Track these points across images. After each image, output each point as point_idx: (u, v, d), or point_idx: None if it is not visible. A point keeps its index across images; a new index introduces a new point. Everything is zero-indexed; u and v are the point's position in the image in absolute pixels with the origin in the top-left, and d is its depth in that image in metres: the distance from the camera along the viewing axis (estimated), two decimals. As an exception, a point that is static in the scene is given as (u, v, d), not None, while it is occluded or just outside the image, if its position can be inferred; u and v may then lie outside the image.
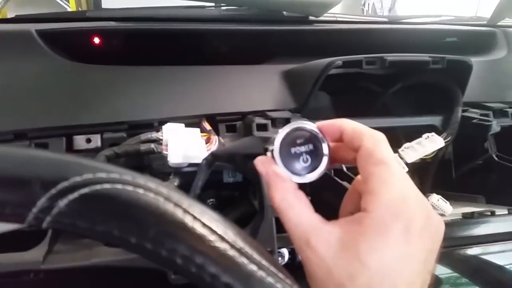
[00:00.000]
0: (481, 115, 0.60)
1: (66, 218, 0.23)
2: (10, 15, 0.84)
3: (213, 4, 0.75)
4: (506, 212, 0.51)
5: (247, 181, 0.55)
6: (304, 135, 0.31)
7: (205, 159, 0.44)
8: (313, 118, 0.58)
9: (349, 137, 0.29)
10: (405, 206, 0.26)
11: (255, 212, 0.52)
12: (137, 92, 0.55)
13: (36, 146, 0.50)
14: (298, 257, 0.48)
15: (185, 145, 0.47)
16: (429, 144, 0.54)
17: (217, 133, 0.55)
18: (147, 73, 0.58)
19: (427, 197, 0.52)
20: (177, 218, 0.24)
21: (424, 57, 0.56)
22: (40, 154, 0.24)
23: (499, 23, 0.82)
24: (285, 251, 0.48)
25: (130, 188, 0.24)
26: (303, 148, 0.31)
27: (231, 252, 0.24)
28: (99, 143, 0.51)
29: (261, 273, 0.25)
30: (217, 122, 0.56)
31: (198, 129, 0.51)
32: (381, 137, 0.29)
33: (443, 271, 0.47)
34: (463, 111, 0.60)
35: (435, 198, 0.51)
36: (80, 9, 2.16)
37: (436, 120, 0.61)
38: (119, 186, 0.23)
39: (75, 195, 0.23)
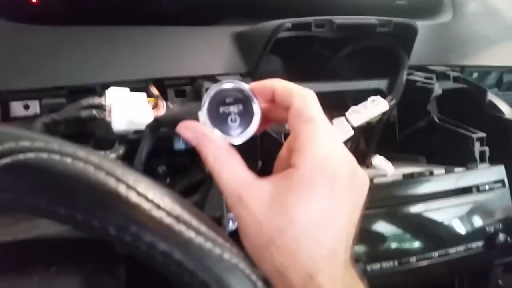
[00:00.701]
0: (425, 78, 0.62)
1: (-15, 190, 0.22)
2: None
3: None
4: (443, 172, 0.53)
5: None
6: (234, 95, 0.31)
7: (148, 125, 0.42)
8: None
9: (280, 96, 0.30)
10: (330, 162, 0.28)
11: (206, 179, 0.52)
12: (78, 54, 0.52)
13: (-32, 114, 0.47)
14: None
15: (130, 110, 0.46)
16: (374, 107, 0.55)
17: (166, 99, 0.53)
18: (89, 34, 0.54)
19: (370, 158, 0.53)
20: (110, 188, 0.23)
21: (372, 20, 0.56)
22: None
23: (447, -13, 0.83)
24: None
25: (56, 157, 0.23)
26: (232, 108, 0.30)
27: (168, 220, 0.24)
28: (38, 110, 0.48)
29: (199, 239, 0.25)
30: (165, 86, 0.54)
31: (144, 94, 0.50)
32: (311, 95, 0.29)
33: (387, 229, 0.49)
34: (408, 74, 0.62)
35: (378, 159, 0.53)
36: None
37: (382, 83, 0.62)
38: (44, 155, 0.22)
39: (-4, 165, 0.22)
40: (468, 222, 0.52)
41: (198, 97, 0.53)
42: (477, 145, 0.57)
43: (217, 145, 0.29)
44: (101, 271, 0.43)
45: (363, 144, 0.66)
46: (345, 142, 0.57)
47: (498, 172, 0.58)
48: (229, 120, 0.30)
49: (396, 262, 0.48)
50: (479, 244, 0.51)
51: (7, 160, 0.21)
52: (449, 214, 0.51)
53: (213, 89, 0.30)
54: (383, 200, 0.49)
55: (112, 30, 0.56)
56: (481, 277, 0.52)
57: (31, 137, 0.23)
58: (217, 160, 0.29)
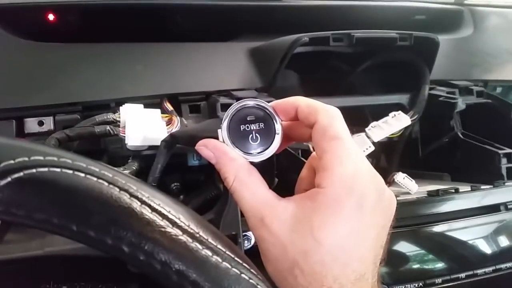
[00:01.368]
0: (447, 93, 0.60)
1: (-1, 205, 0.21)
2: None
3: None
4: (469, 189, 0.51)
5: (213, 164, 0.54)
6: (255, 113, 0.30)
7: (163, 140, 0.41)
8: (280, 97, 0.56)
9: (304, 114, 0.29)
10: (358, 181, 0.26)
11: (220, 196, 0.51)
12: (93, 71, 0.52)
13: (-16, 130, 0.47)
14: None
15: (144, 126, 0.45)
16: (396, 123, 0.53)
17: (180, 114, 0.53)
18: (103, 51, 0.55)
19: (393, 175, 0.51)
20: (123, 203, 0.22)
21: (391, 33, 0.55)
22: (-31, 136, 0.22)
23: (466, 2, 0.82)
24: (251, 234, 0.47)
25: (69, 171, 0.21)
26: (253, 126, 0.29)
27: (183, 238, 0.23)
28: (51, 126, 0.48)
29: (216, 258, 0.23)
30: (179, 102, 0.54)
31: (158, 110, 0.49)
32: (336, 112, 0.28)
33: (411, 249, 0.47)
34: (430, 89, 0.60)
35: (401, 176, 0.51)
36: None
37: (403, 98, 0.60)
38: (56, 169, 0.21)
39: (7, 179, 0.21)
40: (496, 241, 0.49)
41: (213, 112, 0.53)
42: (503, 161, 0.54)
43: (238, 164, 0.28)
44: (114, 291, 0.42)
45: (384, 160, 0.64)
46: (366, 158, 0.55)
47: (527, 189, 0.55)
48: (249, 138, 0.29)
49: (421, 284, 0.46)
50: (509, 265, 0.48)
51: (19, 174, 0.20)
52: (476, 233, 0.48)
53: (234, 106, 0.30)
54: (407, 219, 0.46)
55: (127, 46, 0.56)
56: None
57: (44, 151, 0.22)
58: (237, 180, 0.28)
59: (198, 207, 0.51)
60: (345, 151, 0.26)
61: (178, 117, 0.50)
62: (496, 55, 0.74)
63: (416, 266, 0.46)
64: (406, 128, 0.57)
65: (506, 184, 0.54)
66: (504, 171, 0.54)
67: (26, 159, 0.21)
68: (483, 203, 0.50)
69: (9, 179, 0.20)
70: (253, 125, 0.30)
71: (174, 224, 0.23)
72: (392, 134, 0.56)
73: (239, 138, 0.29)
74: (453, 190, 0.49)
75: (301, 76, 0.64)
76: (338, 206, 0.25)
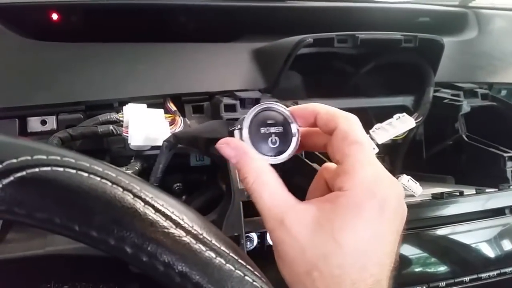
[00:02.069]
0: (452, 95, 0.60)
1: (1, 205, 0.21)
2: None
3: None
4: (474, 192, 0.51)
5: (215, 165, 0.53)
6: (274, 116, 0.30)
7: (166, 141, 0.41)
8: (284, 98, 0.56)
9: (323, 120, 0.29)
10: (379, 185, 0.26)
11: (222, 196, 0.50)
12: (96, 70, 0.52)
13: (-14, 128, 0.47)
14: (267, 241, 0.47)
15: (147, 126, 0.45)
16: (400, 125, 0.53)
17: (183, 115, 0.52)
18: (107, 50, 0.54)
19: (397, 177, 0.51)
20: (126, 204, 0.22)
21: (396, 35, 0.55)
22: (-28, 135, 0.22)
23: (471, 4, 0.82)
24: (253, 235, 0.47)
25: (72, 171, 0.21)
26: (272, 129, 0.30)
27: (187, 239, 0.22)
28: (54, 125, 0.48)
29: (219, 260, 0.23)
30: (183, 102, 0.54)
31: (161, 110, 0.49)
32: (355, 119, 0.29)
33: (411, 251, 0.47)
34: (435, 91, 0.60)
35: (405, 178, 0.50)
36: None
37: (407, 100, 0.60)
38: (59, 169, 0.21)
39: (10, 178, 0.20)
40: (501, 245, 0.48)
41: (216, 113, 0.52)
42: (509, 164, 0.54)
43: (259, 165, 0.28)
44: (115, 291, 0.42)
45: (388, 162, 0.63)
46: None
47: (532, 192, 0.54)
48: (269, 141, 0.30)
49: (424, 287, 0.45)
50: (514, 269, 0.48)
51: (22, 173, 0.20)
52: (481, 237, 0.48)
53: (255, 108, 0.30)
54: (411, 222, 0.46)
55: (130, 46, 0.56)
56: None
57: (47, 150, 0.21)
58: (257, 181, 0.28)
59: (200, 207, 0.51)
60: (366, 156, 0.27)
61: (181, 117, 0.50)
62: (500, 57, 0.73)
63: (420, 269, 0.46)
64: (410, 130, 0.57)
65: (511, 187, 0.53)
66: (509, 174, 0.54)
67: (29, 158, 0.21)
68: (488, 207, 0.49)
69: (11, 178, 0.20)
70: (272, 128, 0.30)
71: (177, 225, 0.23)
72: (396, 136, 0.56)
73: (258, 140, 0.30)
74: (457, 193, 0.49)
75: (305, 77, 0.64)
76: (359, 208, 0.25)
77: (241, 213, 0.44)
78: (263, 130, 0.30)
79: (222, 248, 0.24)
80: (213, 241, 0.24)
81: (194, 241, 0.23)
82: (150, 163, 0.46)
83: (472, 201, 0.49)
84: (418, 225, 0.47)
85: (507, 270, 0.47)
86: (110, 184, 0.22)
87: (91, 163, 0.22)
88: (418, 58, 0.60)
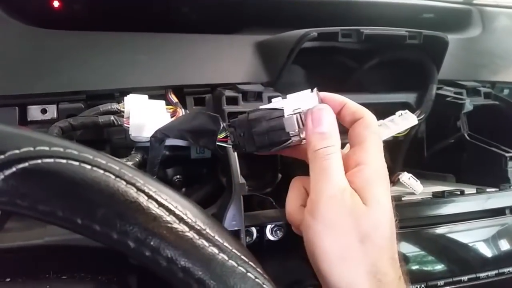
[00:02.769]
0: (454, 93, 0.60)
1: (3, 196, 0.20)
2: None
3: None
4: (475, 191, 0.51)
5: (216, 158, 0.53)
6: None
7: (152, 137, 0.41)
8: (286, 92, 0.55)
9: (351, 109, 0.34)
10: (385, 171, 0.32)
11: (222, 190, 0.50)
12: (98, 59, 0.51)
13: (-15, 116, 0.46)
14: (266, 236, 0.47)
15: (148, 117, 0.44)
16: (402, 122, 0.53)
17: (185, 106, 0.52)
18: (109, 40, 0.54)
19: (398, 175, 0.51)
20: (130, 197, 0.21)
21: (401, 31, 0.54)
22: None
23: (475, 1, 0.81)
24: (253, 229, 0.47)
25: (75, 163, 0.21)
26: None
27: (190, 234, 0.22)
28: (55, 114, 0.48)
29: (222, 256, 0.23)
30: (184, 94, 0.53)
31: (163, 101, 0.48)
32: (374, 117, 0.34)
33: (411, 249, 0.47)
34: (437, 88, 0.60)
35: (406, 176, 0.50)
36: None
37: (410, 97, 0.60)
38: (62, 160, 0.21)
39: (12, 170, 0.20)
40: (500, 245, 0.48)
41: (217, 105, 0.52)
42: (510, 164, 0.54)
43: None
44: (113, 282, 0.42)
45: (389, 159, 0.63)
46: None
47: (533, 193, 0.54)
48: None
49: (423, 285, 0.45)
50: (512, 269, 0.48)
51: (24, 165, 0.20)
52: (480, 237, 0.48)
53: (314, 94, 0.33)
54: (411, 220, 0.46)
55: (133, 36, 0.55)
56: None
57: (49, 141, 0.21)
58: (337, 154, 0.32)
59: (200, 200, 0.51)
60: (379, 144, 0.33)
61: (182, 109, 0.49)
62: (504, 56, 0.73)
63: (418, 267, 0.46)
64: (412, 127, 0.57)
65: (512, 187, 0.53)
66: (510, 174, 0.54)
67: (32, 149, 0.21)
68: (488, 206, 0.49)
69: (13, 169, 0.20)
70: None
71: (181, 220, 0.22)
72: (398, 133, 0.55)
73: None
74: (458, 192, 0.49)
75: (307, 71, 0.64)
76: (384, 178, 0.31)
77: (242, 208, 0.44)
78: None
79: (225, 244, 0.24)
80: (216, 237, 0.23)
81: (197, 237, 0.23)
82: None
83: (472, 200, 0.49)
84: (418, 223, 0.47)
85: (506, 270, 0.47)
86: (113, 177, 0.22)
87: (95, 156, 0.22)
88: (422, 55, 0.60)
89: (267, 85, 0.55)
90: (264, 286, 0.24)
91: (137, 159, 0.43)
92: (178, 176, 0.55)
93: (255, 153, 0.35)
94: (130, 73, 0.51)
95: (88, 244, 0.40)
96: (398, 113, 0.54)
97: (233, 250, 0.24)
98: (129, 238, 0.21)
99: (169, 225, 0.22)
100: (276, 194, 0.54)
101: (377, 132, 0.33)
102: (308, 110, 0.32)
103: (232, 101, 0.51)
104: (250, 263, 0.24)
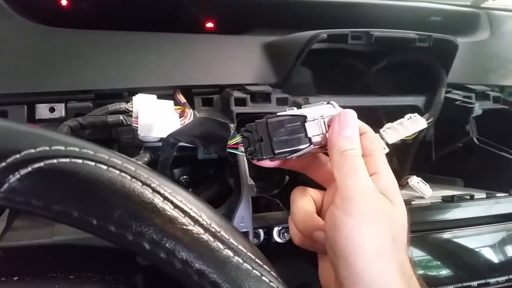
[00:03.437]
0: (463, 97, 0.59)
1: (18, 195, 0.20)
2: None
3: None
4: (485, 196, 0.50)
5: (223, 158, 0.53)
6: None
7: (164, 140, 0.41)
8: (294, 94, 0.55)
9: (369, 141, 0.35)
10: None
11: (229, 191, 0.50)
12: (107, 59, 0.51)
13: (-6, 114, 0.46)
14: (273, 238, 0.47)
15: (157, 118, 0.44)
16: (411, 125, 0.52)
17: (193, 107, 0.52)
18: (118, 39, 0.54)
19: (406, 178, 0.51)
20: (145, 199, 0.21)
21: (411, 34, 0.54)
22: (-11, 123, 0.21)
23: (483, 5, 0.81)
24: (260, 231, 0.46)
25: (91, 163, 0.21)
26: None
27: (205, 236, 0.22)
28: (63, 113, 0.47)
29: (237, 259, 0.23)
30: (192, 94, 0.53)
31: (171, 102, 0.48)
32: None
33: (416, 254, 0.46)
34: (446, 92, 0.59)
35: (415, 180, 0.50)
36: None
37: (419, 100, 0.59)
38: (78, 160, 0.21)
39: (28, 169, 0.20)
40: (510, 250, 0.48)
41: (225, 106, 0.52)
42: (519, 169, 0.54)
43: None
44: (120, 282, 0.42)
45: (396, 163, 0.63)
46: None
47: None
48: None
49: (432, 291, 0.45)
50: (523, 275, 0.48)
51: (40, 164, 0.20)
52: (490, 242, 0.48)
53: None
54: (420, 224, 0.46)
55: (141, 36, 0.55)
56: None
57: (65, 141, 0.21)
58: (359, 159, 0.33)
59: (207, 201, 0.50)
60: (384, 156, 0.35)
61: (191, 110, 0.49)
62: (512, 60, 0.73)
63: (427, 272, 0.45)
64: (420, 131, 0.56)
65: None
66: (520, 180, 0.54)
67: (47, 148, 0.20)
68: (498, 211, 0.49)
69: (29, 168, 0.20)
70: None
71: (196, 221, 0.22)
72: (406, 137, 0.55)
73: None
74: (468, 197, 0.49)
75: (315, 73, 0.63)
76: (397, 185, 0.33)
77: (250, 209, 0.44)
78: None
79: (240, 246, 0.23)
80: (231, 239, 0.23)
81: (212, 239, 0.22)
82: (159, 154, 0.45)
83: (482, 205, 0.49)
84: (427, 227, 0.46)
85: (516, 276, 0.47)
86: (129, 177, 0.21)
87: (110, 156, 0.22)
88: (431, 58, 0.59)
89: (275, 86, 0.55)
90: (278, 289, 0.24)
91: (146, 159, 0.43)
92: (185, 177, 0.55)
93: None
94: (138, 73, 0.51)
95: (95, 244, 0.40)
96: (407, 116, 0.54)
97: (248, 253, 0.24)
98: (145, 239, 0.21)
99: (185, 227, 0.22)
100: (283, 196, 0.54)
101: (380, 146, 0.36)
102: (336, 114, 0.33)
103: (241, 102, 0.51)
104: (265, 266, 0.24)
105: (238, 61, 0.56)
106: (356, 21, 0.64)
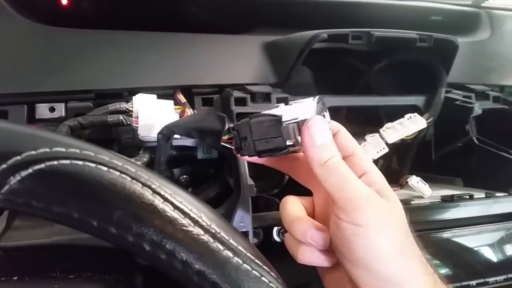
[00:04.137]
0: (463, 97, 0.59)
1: (19, 197, 0.20)
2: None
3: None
4: (484, 196, 0.50)
5: (223, 158, 0.53)
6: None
7: (159, 133, 0.40)
8: (294, 94, 0.56)
9: (344, 140, 0.34)
10: None
11: (229, 190, 0.50)
12: (107, 58, 0.51)
13: (-6, 114, 0.46)
14: (273, 238, 0.47)
15: (157, 117, 0.44)
16: (411, 125, 0.52)
17: (193, 107, 0.52)
18: (118, 39, 0.53)
19: (406, 178, 0.51)
20: (146, 200, 0.21)
21: (411, 34, 0.54)
22: (-10, 124, 0.21)
23: (484, 4, 0.81)
24: (260, 230, 0.46)
25: (91, 165, 0.21)
26: None
27: (205, 237, 0.22)
28: (63, 113, 0.47)
29: (237, 260, 0.23)
30: (192, 94, 0.53)
31: (171, 101, 0.48)
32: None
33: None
34: (446, 92, 0.59)
35: (415, 180, 0.50)
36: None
37: (419, 100, 0.59)
38: (79, 162, 0.21)
39: (29, 171, 0.20)
40: (509, 250, 0.48)
41: (225, 106, 0.52)
42: (519, 169, 0.54)
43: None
44: (120, 282, 0.42)
45: (396, 162, 0.63)
46: (378, 160, 0.55)
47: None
48: None
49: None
50: (522, 275, 0.48)
51: (40, 166, 0.20)
52: (489, 241, 0.48)
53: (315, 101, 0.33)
54: (419, 224, 0.46)
55: (142, 35, 0.55)
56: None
57: (66, 142, 0.21)
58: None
59: (206, 201, 0.50)
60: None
61: (191, 109, 0.49)
62: (513, 60, 0.73)
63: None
64: (420, 130, 0.56)
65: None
66: (520, 180, 0.54)
67: (48, 150, 0.20)
68: (498, 211, 0.49)
69: (30, 170, 0.20)
70: None
71: (196, 222, 0.22)
72: (406, 136, 0.55)
73: None
74: (467, 196, 0.49)
75: (315, 72, 0.63)
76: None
77: (250, 209, 0.44)
78: None
79: (239, 247, 0.23)
80: (231, 240, 0.23)
81: (212, 240, 0.22)
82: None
83: (481, 204, 0.49)
84: (426, 227, 0.47)
85: (515, 276, 0.47)
86: (129, 179, 0.21)
87: (111, 157, 0.22)
88: (432, 57, 0.59)
89: (276, 86, 0.55)
90: (278, 290, 0.24)
91: (145, 159, 0.43)
92: (184, 176, 0.55)
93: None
94: (139, 73, 0.51)
95: (95, 243, 0.40)
96: (407, 116, 0.54)
97: (248, 254, 0.24)
98: (145, 240, 0.21)
99: (185, 228, 0.22)
100: (283, 195, 0.54)
101: (371, 161, 0.35)
102: (304, 126, 0.31)
103: (241, 102, 0.51)
104: (264, 267, 0.24)
105: (239, 60, 0.56)
106: (356, 20, 0.64)
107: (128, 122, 0.44)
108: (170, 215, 0.22)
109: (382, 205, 0.30)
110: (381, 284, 0.29)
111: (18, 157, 0.20)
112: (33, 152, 0.20)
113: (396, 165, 0.63)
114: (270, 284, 0.24)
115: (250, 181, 0.44)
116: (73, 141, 0.21)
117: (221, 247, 0.23)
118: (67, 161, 0.20)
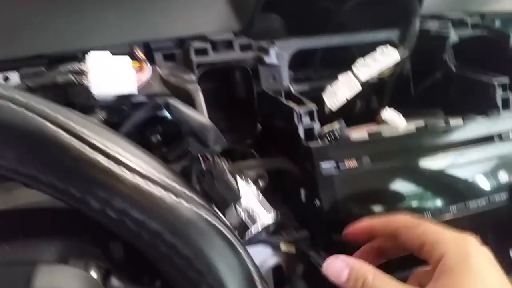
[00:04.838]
0: (439, 26, 0.56)
1: None
2: None
3: None
4: (461, 121, 0.48)
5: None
6: None
7: (151, 98, 0.42)
8: (260, 39, 0.53)
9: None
10: None
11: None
12: (57, 20, 0.48)
13: None
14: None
15: (111, 74, 0.42)
16: (384, 59, 0.50)
17: (153, 63, 0.50)
18: None
19: (380, 112, 0.49)
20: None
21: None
22: None
23: None
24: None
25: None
26: None
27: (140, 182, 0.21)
28: (18, 80, 0.45)
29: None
30: (152, 50, 0.51)
31: (127, 57, 0.46)
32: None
33: (400, 184, 0.44)
34: (421, 23, 0.56)
35: (388, 112, 0.48)
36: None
37: (393, 34, 0.57)
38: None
39: None
40: (490, 173, 0.46)
41: (187, 59, 0.50)
42: (499, 91, 0.51)
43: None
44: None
45: (375, 101, 0.61)
46: (353, 99, 0.52)
47: (524, 119, 0.51)
48: None
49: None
50: (503, 196, 0.46)
51: None
52: (469, 166, 0.46)
53: None
54: (395, 153, 0.44)
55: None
56: (506, 232, 0.47)
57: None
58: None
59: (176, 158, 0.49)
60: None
61: (149, 65, 0.47)
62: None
63: (405, 202, 0.44)
64: (396, 65, 0.54)
65: (502, 114, 0.51)
66: (499, 102, 0.51)
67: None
68: (477, 135, 0.47)
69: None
70: None
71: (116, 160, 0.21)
72: (381, 73, 0.53)
73: None
74: (443, 123, 0.47)
75: (283, 16, 0.60)
76: None
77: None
78: None
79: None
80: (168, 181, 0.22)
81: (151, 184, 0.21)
82: (118, 114, 0.44)
83: (459, 130, 0.47)
84: (402, 156, 0.45)
85: (496, 198, 0.45)
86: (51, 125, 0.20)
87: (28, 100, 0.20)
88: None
89: (240, 34, 0.53)
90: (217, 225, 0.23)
91: (101, 117, 0.41)
92: (157, 136, 0.54)
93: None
94: (93, 32, 0.49)
95: (55, 206, 0.38)
96: (379, 49, 0.51)
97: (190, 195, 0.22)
98: (73, 190, 0.19)
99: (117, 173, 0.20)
100: (257, 145, 0.53)
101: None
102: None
103: (202, 52, 0.49)
104: (200, 201, 0.23)
105: (198, 9, 0.53)
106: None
107: (80, 81, 0.42)
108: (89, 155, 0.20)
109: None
110: None
111: None
112: None
113: (376, 103, 0.60)
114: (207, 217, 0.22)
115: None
116: None
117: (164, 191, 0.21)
118: None
